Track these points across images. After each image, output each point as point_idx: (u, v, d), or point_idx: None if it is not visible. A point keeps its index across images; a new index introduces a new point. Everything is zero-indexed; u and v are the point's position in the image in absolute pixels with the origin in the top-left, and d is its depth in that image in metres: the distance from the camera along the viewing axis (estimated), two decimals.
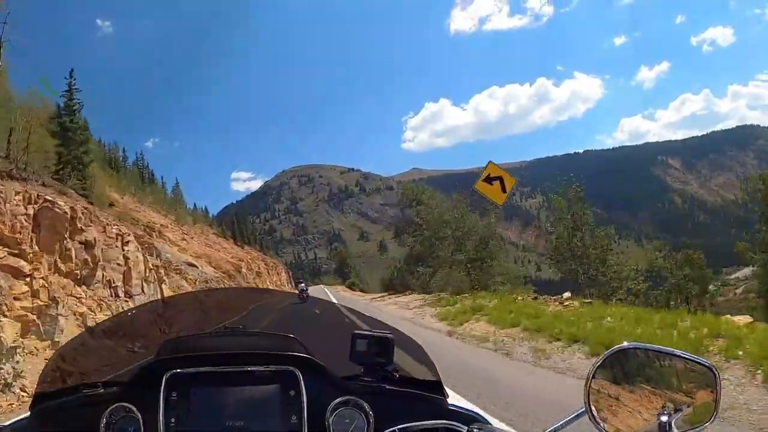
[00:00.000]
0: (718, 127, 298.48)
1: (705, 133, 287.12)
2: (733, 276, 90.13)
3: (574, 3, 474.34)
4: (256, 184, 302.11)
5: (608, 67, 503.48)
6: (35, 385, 1.14)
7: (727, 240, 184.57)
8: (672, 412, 0.92)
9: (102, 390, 1.12)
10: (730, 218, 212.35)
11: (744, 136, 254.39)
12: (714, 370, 0.95)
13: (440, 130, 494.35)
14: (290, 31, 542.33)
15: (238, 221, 68.49)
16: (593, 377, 0.90)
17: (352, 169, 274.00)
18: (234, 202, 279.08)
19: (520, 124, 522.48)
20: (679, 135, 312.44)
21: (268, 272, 52.98)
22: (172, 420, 1.02)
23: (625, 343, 0.91)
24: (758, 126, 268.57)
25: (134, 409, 1.04)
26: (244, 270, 35.33)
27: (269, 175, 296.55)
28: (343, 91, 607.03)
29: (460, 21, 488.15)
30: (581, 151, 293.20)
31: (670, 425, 0.89)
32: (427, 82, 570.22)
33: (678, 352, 0.95)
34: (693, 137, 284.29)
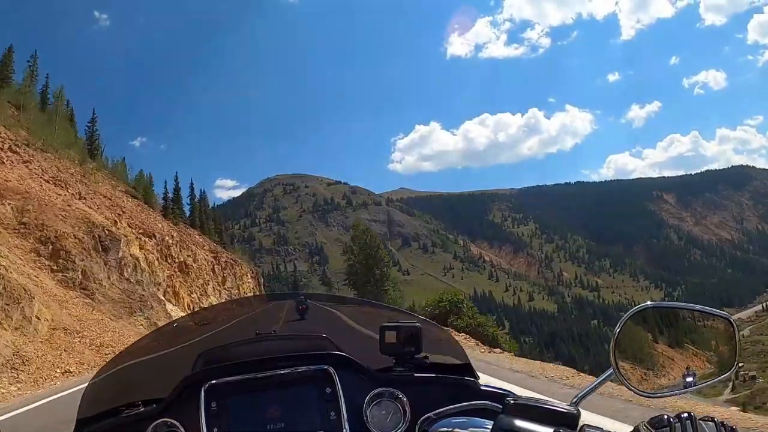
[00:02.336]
0: (707, 168, 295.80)
1: (700, 171, 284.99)
2: (735, 317, 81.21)
3: (571, 36, 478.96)
4: (239, 193, 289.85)
5: (600, 102, 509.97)
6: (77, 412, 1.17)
7: (725, 280, 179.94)
8: (694, 368, 0.93)
9: (143, 408, 1.13)
10: (727, 258, 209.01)
11: (738, 176, 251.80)
12: (732, 321, 0.96)
13: (428, 153, 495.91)
14: (288, 42, 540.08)
15: (176, 192, 46.15)
16: (618, 337, 0.91)
17: (340, 181, 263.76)
18: (214, 206, 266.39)
19: (508, 154, 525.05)
20: (667, 174, 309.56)
21: (217, 271, 40.19)
22: (215, 430, 1.03)
23: (648, 303, 0.93)
24: (753, 167, 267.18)
25: (176, 423, 1.06)
26: (127, 232, 23.76)
27: (253, 184, 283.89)
28: (336, 107, 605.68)
29: (458, 46, 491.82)
30: (572, 182, 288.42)
31: (694, 377, 0.91)
32: (419, 104, 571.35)
33: (696, 306, 0.96)
34: (687, 175, 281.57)
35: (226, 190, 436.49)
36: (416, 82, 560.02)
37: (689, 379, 0.91)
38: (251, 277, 51.71)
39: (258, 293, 49.00)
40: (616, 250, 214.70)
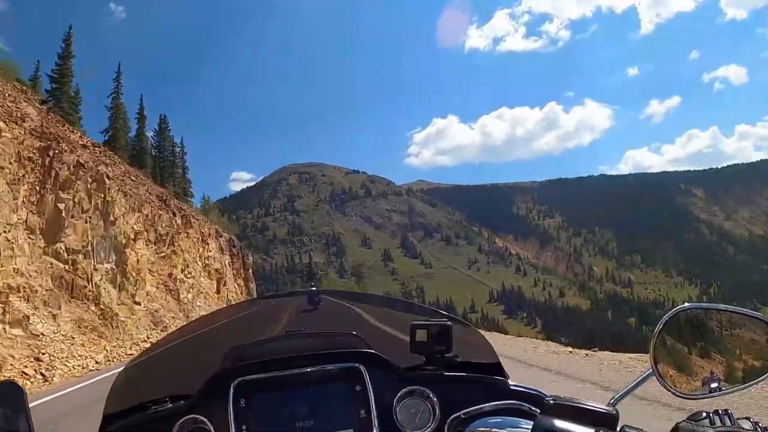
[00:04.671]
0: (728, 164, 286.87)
1: (727, 165, 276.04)
2: None
3: (590, 30, 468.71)
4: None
5: (619, 97, 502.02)
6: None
7: (764, 277, 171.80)
8: (726, 370, 0.93)
9: (170, 404, 1.13)
10: (761, 254, 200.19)
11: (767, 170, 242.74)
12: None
13: (445, 147, 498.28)
14: (306, 34, 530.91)
15: (141, 139, 36.55)
16: (657, 339, 0.90)
17: (358, 171, 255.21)
18: (227, 196, 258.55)
19: (525, 149, 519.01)
20: (690, 168, 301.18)
21: (174, 237, 25.98)
22: (243, 427, 1.03)
23: (687, 304, 0.92)
24: None
25: (204, 420, 1.06)
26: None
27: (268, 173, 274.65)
28: (352, 101, 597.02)
29: (476, 39, 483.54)
30: (595, 174, 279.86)
31: (724, 381, 0.90)
32: (437, 97, 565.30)
33: (735, 308, 0.96)
34: (712, 169, 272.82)
35: (242, 183, 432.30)
36: (435, 74, 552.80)
37: (714, 385, 0.91)
38: (222, 241, 37.08)
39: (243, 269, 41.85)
40: (646, 244, 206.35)
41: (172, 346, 1.39)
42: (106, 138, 31.98)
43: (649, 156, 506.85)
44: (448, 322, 1.16)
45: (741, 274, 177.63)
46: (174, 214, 27.44)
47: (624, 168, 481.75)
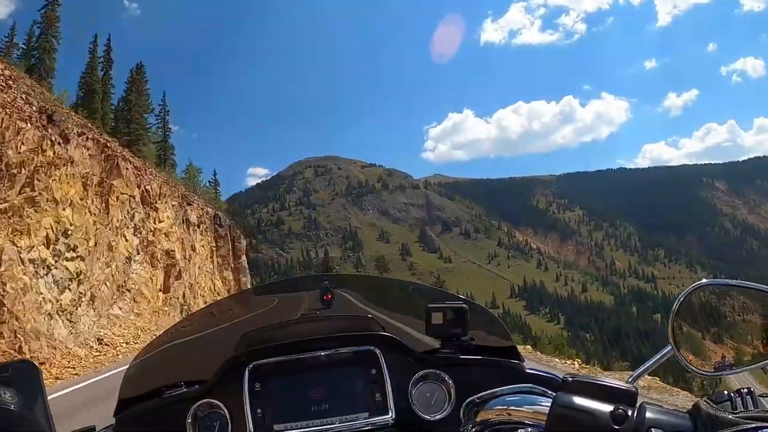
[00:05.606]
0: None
1: (748, 158, 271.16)
2: None
3: (607, 22, 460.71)
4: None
5: (636, 90, 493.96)
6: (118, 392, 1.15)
7: None
8: (737, 355, 0.93)
9: (185, 389, 1.12)
10: None
11: None
12: None
13: (460, 142, 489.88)
14: (322, 30, 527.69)
15: (93, 76, 30.54)
16: (675, 316, 0.90)
17: (375, 164, 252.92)
18: (242, 190, 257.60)
19: (541, 143, 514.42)
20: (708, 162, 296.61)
21: (46, 173, 13.52)
22: (258, 411, 1.03)
23: (704, 281, 0.91)
24: None
25: (220, 404, 1.06)
26: None
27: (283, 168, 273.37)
28: (367, 96, 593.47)
29: (491, 32, 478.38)
30: (615, 168, 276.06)
31: (742, 360, 0.89)
32: (452, 91, 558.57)
33: (752, 285, 0.93)
34: (732, 162, 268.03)
35: (258, 178, 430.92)
36: (450, 68, 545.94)
37: (734, 356, 0.91)
38: (193, 212, 26.90)
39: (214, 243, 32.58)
40: (669, 238, 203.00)
41: (185, 332, 1.38)
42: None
43: (667, 150, 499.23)
44: (464, 305, 1.15)
45: (766, 269, 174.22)
46: (65, 141, 15.14)
47: (641, 162, 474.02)
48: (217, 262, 30.51)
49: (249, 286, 32.96)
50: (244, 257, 35.20)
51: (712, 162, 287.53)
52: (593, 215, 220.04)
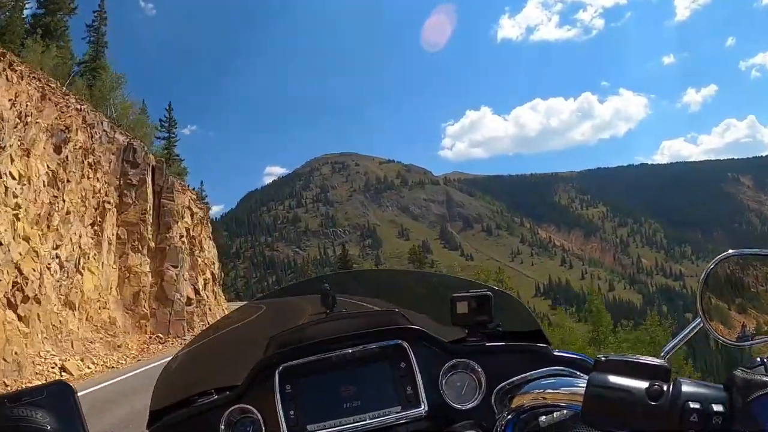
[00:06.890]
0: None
1: None
2: None
3: (625, 17, 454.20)
4: None
5: (654, 86, 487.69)
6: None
7: None
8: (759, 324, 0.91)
9: (216, 396, 1.13)
10: None
11: None
12: None
13: (478, 139, 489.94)
14: (339, 27, 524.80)
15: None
16: (704, 288, 0.87)
17: (393, 160, 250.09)
18: (258, 188, 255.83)
19: (559, 140, 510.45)
20: (731, 157, 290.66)
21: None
22: (291, 412, 1.03)
23: (731, 251, 0.89)
24: None
25: (252, 408, 1.06)
26: None
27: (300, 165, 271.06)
28: (385, 94, 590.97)
29: (508, 29, 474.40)
30: (636, 163, 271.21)
31: (761, 330, 0.88)
32: (470, 89, 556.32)
33: None
34: (756, 157, 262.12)
35: (275, 177, 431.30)
36: (467, 66, 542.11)
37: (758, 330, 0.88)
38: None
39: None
40: (695, 234, 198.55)
41: (211, 340, 1.39)
42: None
43: (686, 146, 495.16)
44: (488, 292, 1.15)
45: None
46: None
47: (660, 158, 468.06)
48: (117, 234, 17.42)
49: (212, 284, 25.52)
50: (182, 233, 20.81)
51: (735, 157, 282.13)
52: (617, 212, 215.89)
